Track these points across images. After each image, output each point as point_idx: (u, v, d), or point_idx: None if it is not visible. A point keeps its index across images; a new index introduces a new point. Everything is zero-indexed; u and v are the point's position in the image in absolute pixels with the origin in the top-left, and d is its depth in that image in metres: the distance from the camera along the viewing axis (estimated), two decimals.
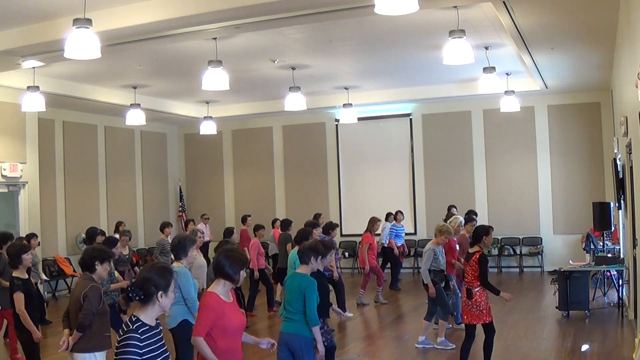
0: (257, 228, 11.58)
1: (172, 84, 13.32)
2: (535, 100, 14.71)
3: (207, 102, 15.72)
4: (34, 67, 10.20)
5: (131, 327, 3.40)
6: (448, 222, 9.42)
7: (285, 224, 11.71)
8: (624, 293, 10.05)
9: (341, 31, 9.60)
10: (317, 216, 12.94)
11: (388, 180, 16.37)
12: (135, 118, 13.05)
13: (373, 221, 12.00)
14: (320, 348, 5.38)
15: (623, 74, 8.69)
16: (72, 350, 5.16)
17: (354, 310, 11.19)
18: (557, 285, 10.08)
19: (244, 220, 13.90)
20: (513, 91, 12.59)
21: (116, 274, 8.10)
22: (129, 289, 3.48)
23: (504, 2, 7.62)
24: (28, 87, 10.44)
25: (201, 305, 4.27)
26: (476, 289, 6.70)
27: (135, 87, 13.25)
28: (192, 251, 6.17)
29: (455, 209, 13.49)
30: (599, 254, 10.96)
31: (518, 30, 8.83)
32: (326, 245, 6.22)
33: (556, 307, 10.02)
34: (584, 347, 8.07)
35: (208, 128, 14.97)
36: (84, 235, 14.40)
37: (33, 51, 8.93)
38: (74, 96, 12.77)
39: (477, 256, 6.72)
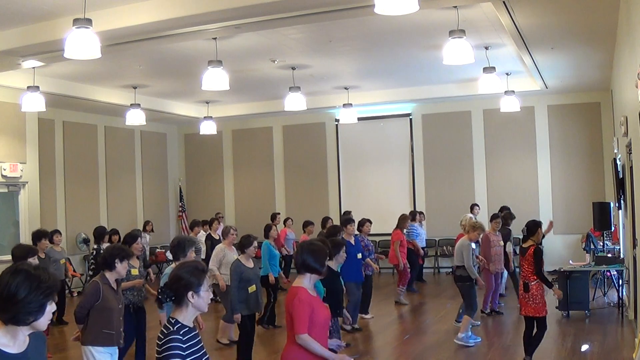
0: (306, 224, 11.62)
1: (172, 84, 13.31)
2: (535, 100, 14.71)
3: (207, 102, 15.72)
4: (34, 67, 10.19)
5: (172, 328, 3.27)
6: (467, 218, 9.92)
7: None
8: (624, 293, 10.05)
9: (341, 31, 9.60)
10: (347, 213, 13.05)
11: (388, 180, 16.36)
12: (135, 118, 13.05)
13: (404, 219, 11.86)
14: None
15: (623, 74, 8.69)
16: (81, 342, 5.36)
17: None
18: (557, 285, 10.07)
19: (273, 218, 13.87)
20: (513, 91, 12.58)
21: (133, 272, 7.26)
22: (160, 290, 3.33)
23: (504, 2, 7.61)
24: (28, 87, 10.44)
25: (295, 301, 4.10)
26: (533, 283, 6.89)
27: (135, 87, 13.24)
28: (191, 252, 5.95)
29: (477, 208, 13.64)
30: (599, 254, 10.96)
31: (518, 30, 8.82)
32: (337, 243, 6.38)
33: (556, 307, 10.01)
34: (584, 347, 8.07)
35: (208, 128, 14.96)
36: (84, 235, 14.44)
37: (33, 51, 8.92)
38: (74, 96, 12.76)
39: (532, 250, 6.91)
